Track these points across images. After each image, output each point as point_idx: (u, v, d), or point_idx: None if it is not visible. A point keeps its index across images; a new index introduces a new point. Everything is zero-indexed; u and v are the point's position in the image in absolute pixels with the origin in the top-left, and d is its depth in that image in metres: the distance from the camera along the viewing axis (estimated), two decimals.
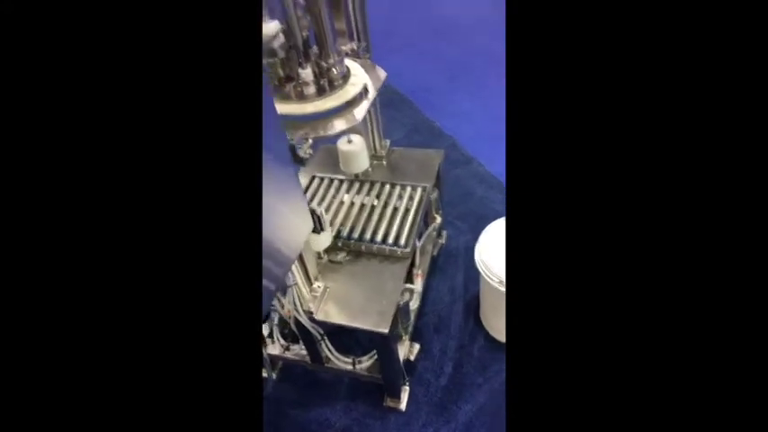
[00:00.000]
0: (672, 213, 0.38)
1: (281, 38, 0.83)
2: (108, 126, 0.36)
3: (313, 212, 0.91)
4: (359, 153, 1.30)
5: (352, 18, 1.15)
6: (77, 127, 0.35)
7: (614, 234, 0.40)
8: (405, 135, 2.32)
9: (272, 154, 0.71)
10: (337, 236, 1.19)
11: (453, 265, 1.62)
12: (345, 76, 0.98)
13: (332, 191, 1.34)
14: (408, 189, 1.31)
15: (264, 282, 0.77)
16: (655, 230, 0.38)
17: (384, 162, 1.46)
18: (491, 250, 1.23)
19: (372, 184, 1.34)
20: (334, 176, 1.38)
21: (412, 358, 1.29)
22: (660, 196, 0.38)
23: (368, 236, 1.18)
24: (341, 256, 1.17)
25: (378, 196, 1.30)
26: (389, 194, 1.30)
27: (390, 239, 1.17)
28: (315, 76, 0.93)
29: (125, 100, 0.37)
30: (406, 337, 1.26)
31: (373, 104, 1.33)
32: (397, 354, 1.14)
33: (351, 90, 0.95)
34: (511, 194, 0.45)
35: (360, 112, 0.94)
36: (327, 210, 1.27)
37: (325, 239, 1.11)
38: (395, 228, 1.20)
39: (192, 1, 0.38)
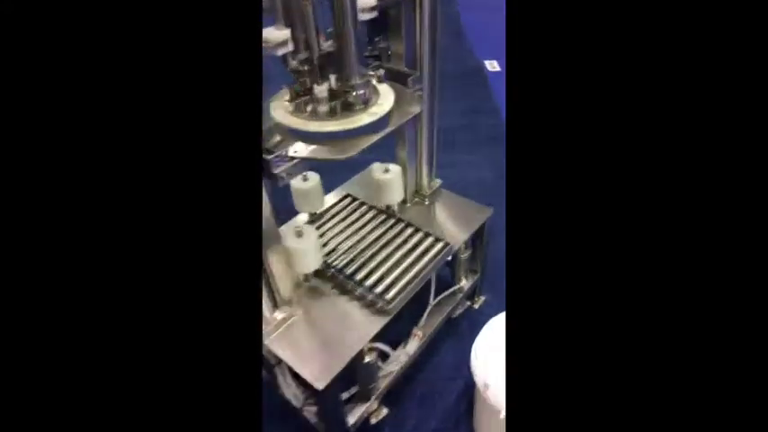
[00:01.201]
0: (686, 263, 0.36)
1: (290, 47, 0.78)
2: (107, 127, 0.36)
3: None
4: (390, 185, 1.19)
5: (417, 43, 1.05)
6: (77, 127, 0.35)
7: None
8: (499, 175, 2.11)
9: None
10: (330, 265, 1.10)
11: (474, 335, 1.40)
12: (367, 102, 0.89)
13: (356, 215, 1.26)
14: (430, 239, 1.16)
15: None
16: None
17: (426, 202, 1.32)
18: (487, 350, 1.02)
19: (398, 221, 1.22)
20: (366, 202, 1.30)
21: (373, 421, 1.15)
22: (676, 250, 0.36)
23: (360, 275, 1.07)
24: (327, 287, 1.08)
25: (396, 236, 1.18)
26: (408, 238, 1.17)
27: (379, 288, 1.04)
28: (331, 95, 0.86)
29: (124, 101, 0.36)
30: (373, 399, 1.12)
31: (428, 139, 1.22)
32: (339, 415, 1.02)
33: (364, 119, 0.86)
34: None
35: (355, 146, 0.84)
36: (340, 233, 1.20)
37: (311, 262, 1.04)
38: (391, 277, 1.07)
39: (192, 8, 0.38)
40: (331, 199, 1.32)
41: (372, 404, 1.13)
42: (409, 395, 1.27)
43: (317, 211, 1.26)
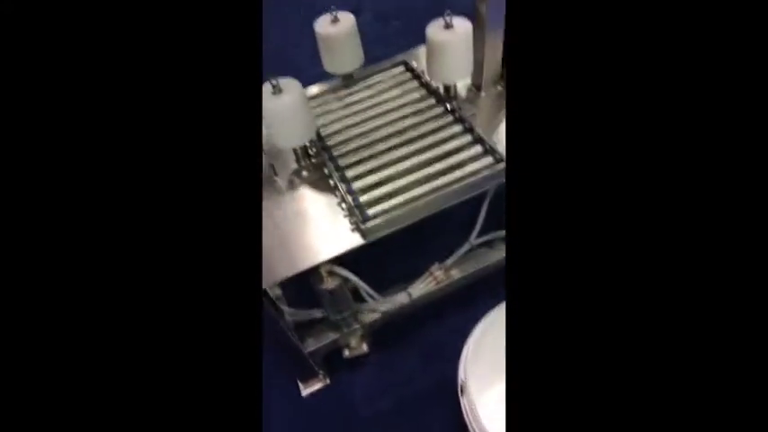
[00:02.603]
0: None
1: None
2: (107, 127, 0.36)
3: None
4: (447, 50, 0.76)
5: None
6: (77, 127, 0.35)
7: None
8: None
9: None
10: (326, 148, 0.79)
11: None
12: None
13: (396, 91, 0.88)
14: (478, 148, 0.74)
15: None
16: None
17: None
18: (475, 346, 0.64)
19: (447, 112, 0.81)
20: (423, 77, 0.89)
21: (347, 354, 0.91)
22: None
23: (352, 172, 0.75)
24: (316, 175, 0.79)
25: (436, 131, 0.79)
26: (450, 138, 0.77)
27: (366, 196, 0.71)
28: None
29: (124, 101, 0.36)
30: (349, 331, 0.87)
31: None
32: (284, 332, 0.79)
33: None
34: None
35: None
36: (363, 111, 0.85)
37: (291, 134, 0.74)
38: (392, 186, 0.72)
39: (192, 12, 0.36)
40: (382, 65, 0.95)
41: (349, 337, 0.89)
42: (408, 346, 0.98)
43: (351, 73, 0.91)
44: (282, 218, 0.74)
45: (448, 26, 0.75)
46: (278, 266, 0.68)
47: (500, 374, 0.66)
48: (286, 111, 0.71)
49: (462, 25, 0.75)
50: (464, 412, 0.65)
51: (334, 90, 0.91)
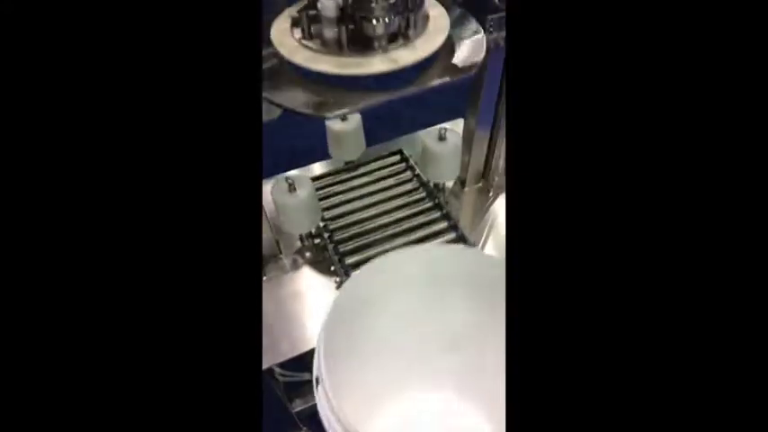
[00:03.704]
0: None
1: None
2: (107, 127, 0.36)
3: None
4: (439, 160, 0.89)
5: None
6: (76, 128, 0.35)
7: None
8: None
9: None
10: (328, 230, 0.90)
11: None
12: (396, 37, 0.59)
13: (389, 182, 1.00)
14: (461, 247, 0.87)
15: None
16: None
17: (490, 193, 0.98)
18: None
19: (434, 207, 0.93)
20: (416, 168, 1.01)
21: None
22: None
23: (351, 260, 0.85)
24: (319, 255, 0.89)
25: (423, 226, 0.90)
26: (436, 234, 0.89)
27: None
28: (344, 18, 0.58)
29: (124, 101, 0.36)
30: None
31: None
32: (272, 390, 0.88)
33: (372, 64, 0.57)
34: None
35: (343, 103, 0.56)
36: (358, 198, 0.96)
37: (301, 223, 0.85)
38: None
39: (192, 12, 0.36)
40: (378, 150, 1.07)
41: None
42: None
43: (353, 160, 1.03)
44: (284, 297, 0.83)
45: (441, 138, 0.88)
46: (280, 345, 0.77)
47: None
48: (299, 205, 0.81)
49: (453, 139, 0.88)
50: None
51: (337, 172, 1.02)
